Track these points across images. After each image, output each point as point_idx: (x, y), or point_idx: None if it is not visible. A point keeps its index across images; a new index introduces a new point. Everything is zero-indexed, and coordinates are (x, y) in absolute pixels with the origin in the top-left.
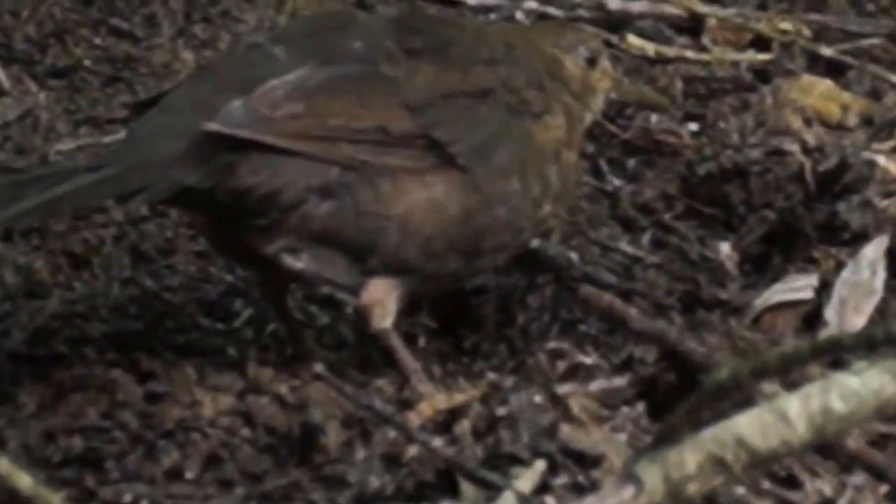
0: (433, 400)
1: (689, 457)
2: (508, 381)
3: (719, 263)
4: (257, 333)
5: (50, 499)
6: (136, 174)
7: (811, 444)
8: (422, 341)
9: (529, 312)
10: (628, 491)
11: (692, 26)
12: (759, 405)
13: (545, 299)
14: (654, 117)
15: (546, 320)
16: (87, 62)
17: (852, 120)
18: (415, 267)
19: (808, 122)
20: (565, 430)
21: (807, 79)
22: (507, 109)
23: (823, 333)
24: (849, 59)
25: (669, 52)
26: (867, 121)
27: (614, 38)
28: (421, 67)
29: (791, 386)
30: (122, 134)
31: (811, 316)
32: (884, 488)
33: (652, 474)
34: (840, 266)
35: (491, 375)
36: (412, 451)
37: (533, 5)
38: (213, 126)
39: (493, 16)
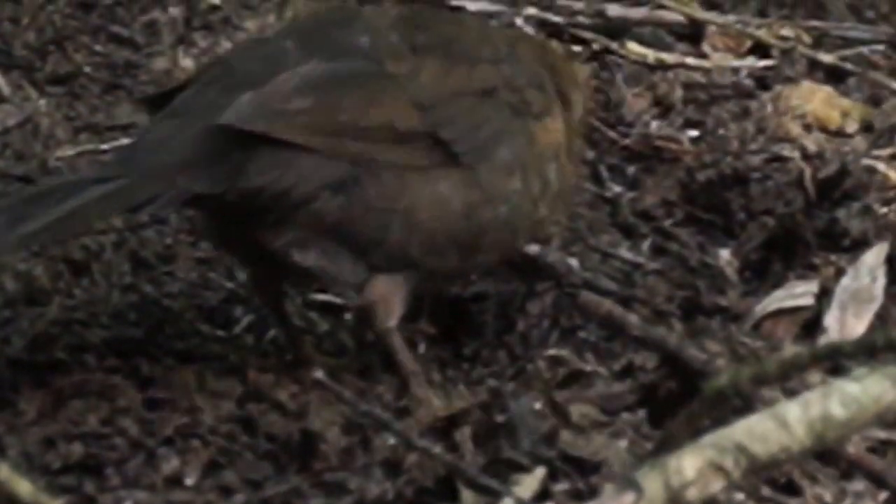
0: (432, 406)
1: (688, 463)
2: (508, 388)
3: (719, 270)
4: (257, 340)
5: None
6: (146, 185)
7: (811, 451)
8: (422, 348)
9: (529, 319)
10: (628, 497)
11: (692, 33)
12: (759, 411)
13: (545, 306)
14: (654, 124)
15: (546, 327)
16: (87, 69)
17: (852, 126)
18: (417, 263)
19: (807, 128)
20: (565, 436)
21: (807, 85)
22: (510, 109)
23: (823, 340)
24: (849, 66)
25: (669, 58)
26: (867, 127)
27: (614, 45)
28: (426, 64)
29: (791, 392)
30: (123, 140)
31: (811, 322)
32: (883, 495)
33: (652, 480)
34: (840, 273)
35: (491, 382)
36: (412, 457)
37: (533, 11)
38: (226, 119)
39: (493, 22)
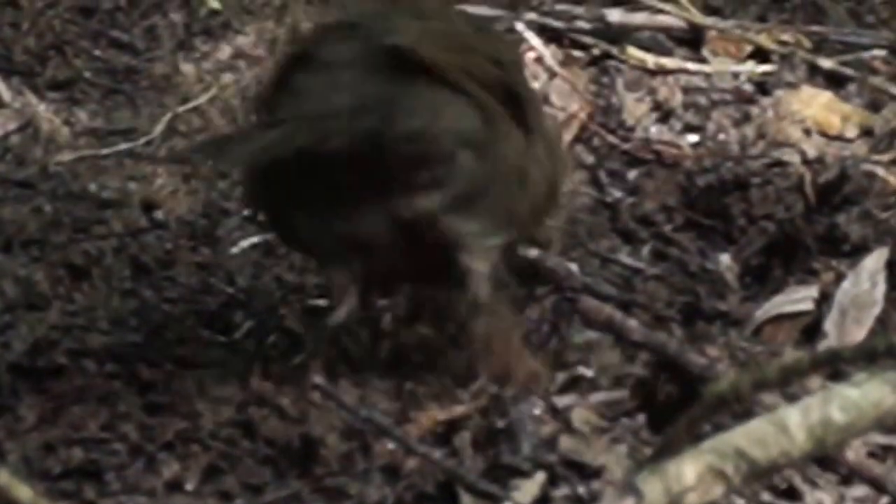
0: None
1: (689, 468)
2: (508, 393)
3: (719, 275)
4: (258, 345)
5: None
6: (319, 125)
7: (811, 456)
8: (421, 352)
9: (529, 324)
10: (628, 502)
11: (692, 38)
12: (759, 417)
13: (544, 311)
14: (654, 128)
15: (545, 332)
16: (87, 74)
17: (852, 132)
18: (519, 228)
19: (807, 133)
20: (565, 441)
21: (807, 90)
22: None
23: (823, 345)
24: (849, 71)
25: (669, 63)
26: (867, 132)
27: (614, 50)
28: (484, 36)
29: (791, 397)
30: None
31: (811, 328)
32: (884, 500)
33: (652, 486)
34: (840, 278)
35: (491, 387)
36: (412, 462)
37: (532, 16)
38: (394, 40)
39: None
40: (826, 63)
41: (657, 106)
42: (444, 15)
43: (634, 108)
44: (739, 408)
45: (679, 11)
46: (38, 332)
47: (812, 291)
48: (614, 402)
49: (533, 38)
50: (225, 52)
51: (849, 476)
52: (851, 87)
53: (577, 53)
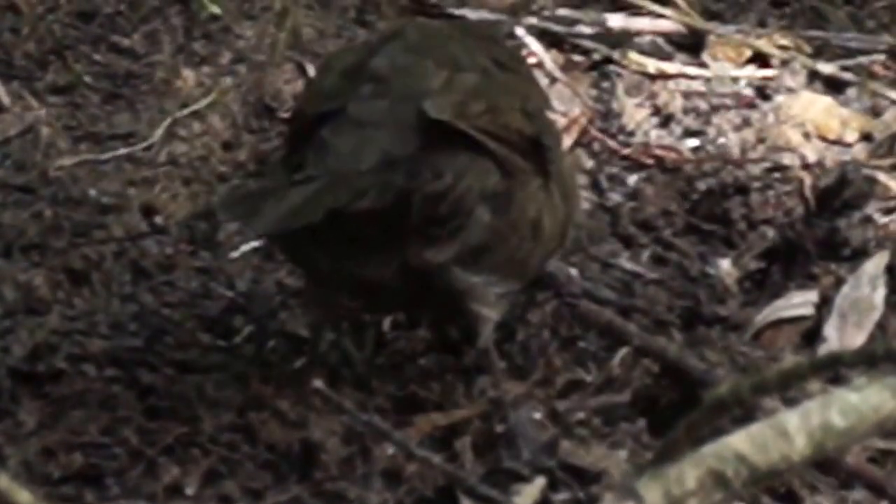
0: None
1: (689, 473)
2: (508, 398)
3: (719, 280)
4: (257, 350)
5: None
6: (348, 183)
7: (811, 460)
8: (422, 357)
9: (529, 328)
10: None
11: (692, 43)
12: (760, 421)
13: (545, 315)
14: (654, 133)
15: (546, 336)
16: (87, 79)
17: (852, 136)
18: (529, 276)
19: (808, 138)
20: (565, 446)
21: (807, 95)
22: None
23: (823, 349)
24: (849, 76)
25: (670, 68)
26: (867, 137)
27: (615, 55)
28: (511, 79)
29: (791, 402)
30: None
31: (811, 332)
32: None
33: (652, 490)
34: (840, 282)
35: (491, 392)
36: (412, 467)
37: (533, 21)
38: (431, 110)
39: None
40: (826, 68)
41: (657, 111)
42: (475, 55)
43: (635, 112)
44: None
45: (679, 16)
46: (38, 336)
47: (812, 296)
48: (614, 406)
49: (533, 43)
50: (225, 56)
51: (848, 480)
52: (851, 92)
53: (577, 58)
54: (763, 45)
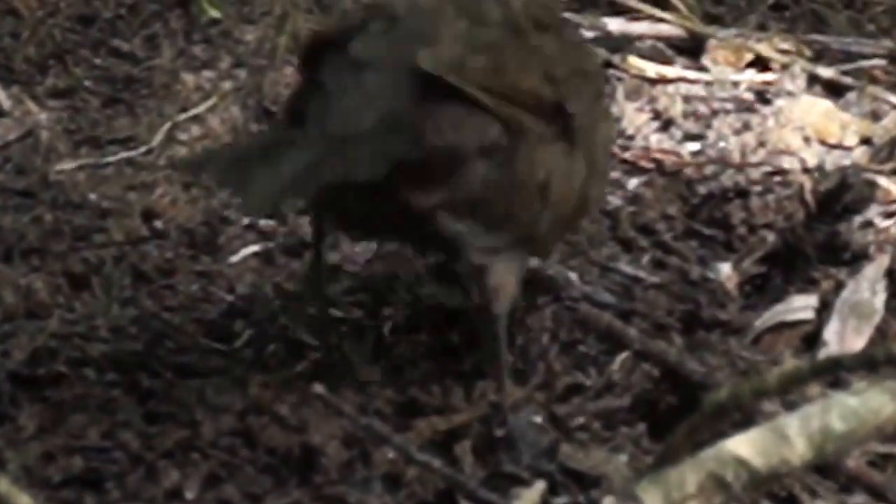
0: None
1: (689, 477)
2: (508, 402)
3: (719, 284)
4: (258, 354)
5: None
6: (342, 153)
7: (811, 464)
8: (422, 361)
9: (529, 332)
10: None
11: (693, 47)
12: (759, 425)
13: (544, 319)
14: (654, 137)
15: (545, 340)
16: (87, 83)
17: (852, 140)
18: (538, 240)
19: (808, 142)
20: (565, 450)
21: (807, 99)
22: (597, 91)
23: (823, 354)
24: (849, 80)
25: (670, 72)
26: (867, 141)
27: (615, 59)
28: (548, 40)
29: (791, 406)
30: (123, 154)
31: (811, 336)
32: None
33: (652, 494)
34: (840, 286)
35: (491, 395)
36: (412, 471)
37: None
38: (425, 62)
39: None
40: (826, 72)
41: (657, 114)
42: (512, 11)
43: (635, 116)
44: (739, 416)
45: (679, 21)
46: (39, 340)
47: (812, 300)
48: (614, 410)
49: None
50: (225, 60)
51: (848, 484)
52: (851, 96)
53: None
54: (763, 49)
